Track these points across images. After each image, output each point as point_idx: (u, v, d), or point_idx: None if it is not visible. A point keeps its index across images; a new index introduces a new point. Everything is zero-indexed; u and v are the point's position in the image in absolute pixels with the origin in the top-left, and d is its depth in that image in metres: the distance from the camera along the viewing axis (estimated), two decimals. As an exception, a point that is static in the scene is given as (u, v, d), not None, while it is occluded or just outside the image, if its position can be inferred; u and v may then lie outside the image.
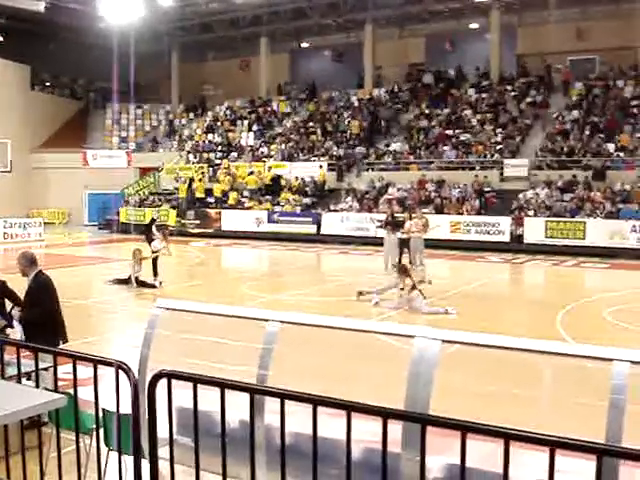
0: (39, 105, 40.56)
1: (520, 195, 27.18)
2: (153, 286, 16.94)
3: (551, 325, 12.42)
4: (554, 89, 33.62)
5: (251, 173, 34.09)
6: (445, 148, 31.52)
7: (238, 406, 4.02)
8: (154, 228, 19.12)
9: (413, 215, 21.20)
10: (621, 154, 27.69)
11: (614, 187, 25.94)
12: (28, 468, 4.29)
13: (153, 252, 17.68)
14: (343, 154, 33.81)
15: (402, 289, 14.10)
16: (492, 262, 23.03)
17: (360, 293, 14.90)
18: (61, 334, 7.41)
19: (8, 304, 7.86)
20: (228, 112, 41.80)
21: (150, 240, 18.30)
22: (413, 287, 13.96)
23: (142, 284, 16.95)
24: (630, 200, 25.17)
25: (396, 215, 21.83)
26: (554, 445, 2.75)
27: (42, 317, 7.22)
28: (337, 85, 39.45)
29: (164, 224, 27.65)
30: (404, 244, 20.43)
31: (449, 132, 32.52)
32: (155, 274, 17.33)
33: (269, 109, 40.55)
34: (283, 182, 33.18)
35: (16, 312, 7.45)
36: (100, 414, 4.66)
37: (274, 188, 32.97)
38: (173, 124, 43.61)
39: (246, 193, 33.32)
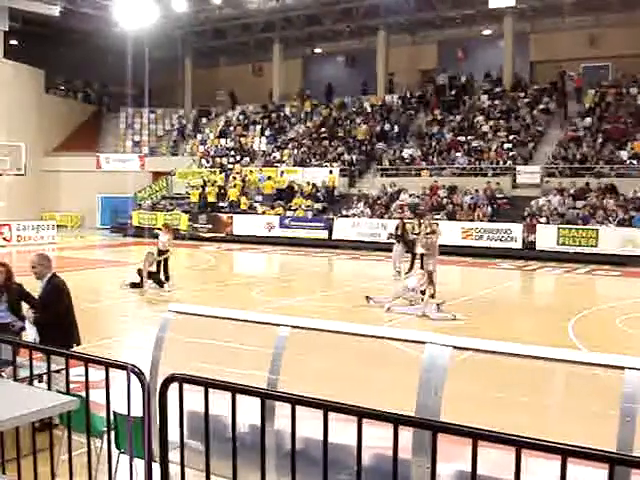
0: (53, 109, 40.82)
1: (532, 202, 27.10)
2: (164, 283, 17.01)
3: (563, 332, 12.35)
4: (567, 96, 33.50)
5: (269, 178, 34.15)
6: (457, 154, 31.47)
7: (248, 410, 4.02)
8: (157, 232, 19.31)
9: (422, 221, 20.96)
10: (634, 162, 27.55)
11: (627, 195, 25.81)
12: (39, 470, 4.30)
13: (161, 251, 17.57)
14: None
15: (423, 292, 14.18)
16: (504, 269, 22.95)
17: (367, 298, 14.90)
18: (74, 337, 7.43)
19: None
20: (241, 117, 41.92)
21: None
22: (432, 296, 14.12)
23: (154, 278, 16.97)
24: (643, 208, 25.03)
25: (407, 222, 21.73)
26: (566, 453, 2.74)
27: (55, 319, 7.25)
28: (349, 91, 39.50)
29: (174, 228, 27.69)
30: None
31: (461, 138, 32.48)
32: (167, 278, 17.35)
33: (282, 114, 40.63)
34: (295, 187, 33.24)
35: (30, 314, 7.48)
36: (111, 417, 4.67)
37: (287, 194, 33.02)
38: (186, 128, 43.77)
39: (258, 198, 33.38)
